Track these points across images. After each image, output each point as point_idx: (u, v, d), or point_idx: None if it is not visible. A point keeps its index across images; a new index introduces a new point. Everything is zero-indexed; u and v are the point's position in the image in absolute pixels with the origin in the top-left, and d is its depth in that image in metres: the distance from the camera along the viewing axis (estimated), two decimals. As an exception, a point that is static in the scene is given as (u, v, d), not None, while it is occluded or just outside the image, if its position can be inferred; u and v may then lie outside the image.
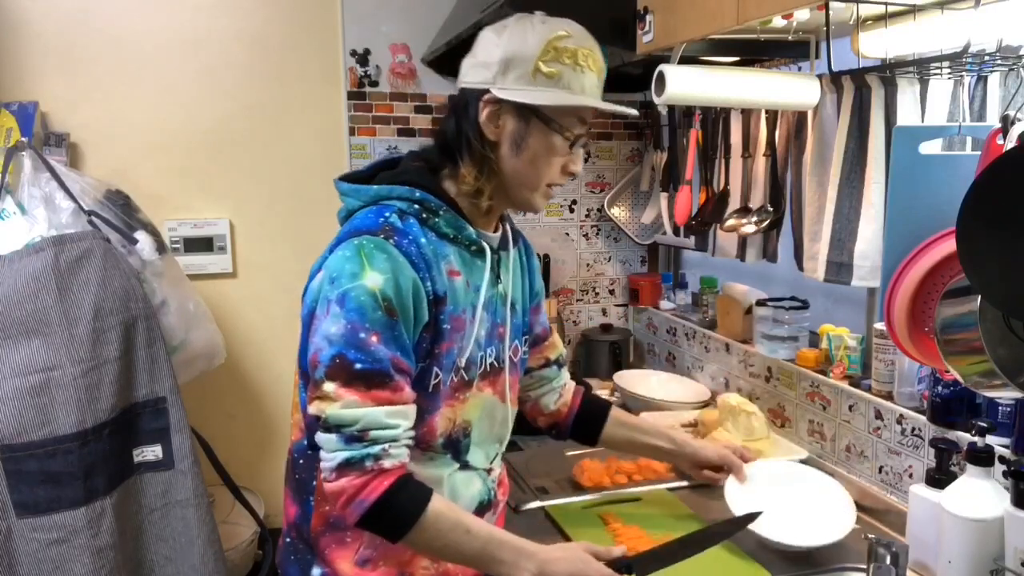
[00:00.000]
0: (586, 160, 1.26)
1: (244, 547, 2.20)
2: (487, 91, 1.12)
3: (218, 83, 2.35)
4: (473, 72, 1.15)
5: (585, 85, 1.13)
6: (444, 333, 1.13)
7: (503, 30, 1.13)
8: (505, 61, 1.11)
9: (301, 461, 1.20)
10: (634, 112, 1.20)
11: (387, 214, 1.12)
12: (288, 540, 1.24)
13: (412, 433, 1.10)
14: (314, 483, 1.17)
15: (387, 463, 1.06)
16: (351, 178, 1.22)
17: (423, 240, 1.12)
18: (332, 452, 1.06)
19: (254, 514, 2.18)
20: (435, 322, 1.13)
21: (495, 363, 1.24)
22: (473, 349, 1.18)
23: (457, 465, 1.22)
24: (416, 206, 1.14)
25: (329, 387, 1.05)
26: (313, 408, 1.08)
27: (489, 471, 1.28)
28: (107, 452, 1.71)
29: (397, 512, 1.07)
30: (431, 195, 1.14)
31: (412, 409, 1.11)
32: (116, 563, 1.72)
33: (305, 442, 1.17)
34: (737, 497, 1.46)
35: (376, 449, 1.05)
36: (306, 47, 2.41)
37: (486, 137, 1.14)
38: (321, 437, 1.08)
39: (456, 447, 1.20)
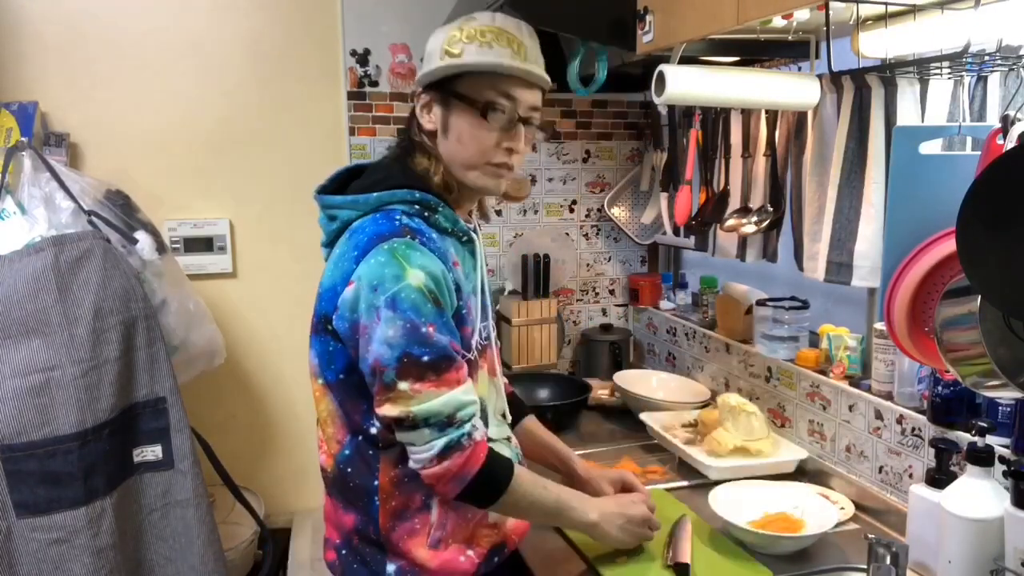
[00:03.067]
0: (549, 139, 1.37)
1: (244, 547, 2.20)
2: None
3: (218, 83, 2.35)
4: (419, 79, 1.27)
5: (492, 61, 1.19)
6: (464, 319, 1.22)
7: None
8: (425, 56, 1.25)
9: (350, 469, 1.24)
10: (548, 82, 1.26)
11: (398, 217, 1.19)
12: (346, 550, 1.28)
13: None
14: (376, 483, 1.22)
15: (477, 435, 1.16)
16: (326, 191, 1.29)
17: (434, 236, 1.20)
18: (428, 443, 1.13)
19: (254, 514, 2.18)
20: (457, 310, 1.21)
21: (484, 341, 1.31)
22: (477, 331, 1.27)
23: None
24: (416, 206, 1.21)
25: (404, 386, 1.11)
26: (391, 410, 1.13)
27: (509, 439, 1.36)
28: (107, 452, 1.71)
29: (493, 478, 1.18)
30: (429, 193, 1.22)
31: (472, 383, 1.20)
32: (116, 563, 1.72)
33: (348, 451, 1.23)
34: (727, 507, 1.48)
35: (467, 427, 1.15)
36: (306, 47, 2.41)
37: (424, 127, 1.25)
38: (410, 434, 1.14)
39: (484, 423, 1.25)
